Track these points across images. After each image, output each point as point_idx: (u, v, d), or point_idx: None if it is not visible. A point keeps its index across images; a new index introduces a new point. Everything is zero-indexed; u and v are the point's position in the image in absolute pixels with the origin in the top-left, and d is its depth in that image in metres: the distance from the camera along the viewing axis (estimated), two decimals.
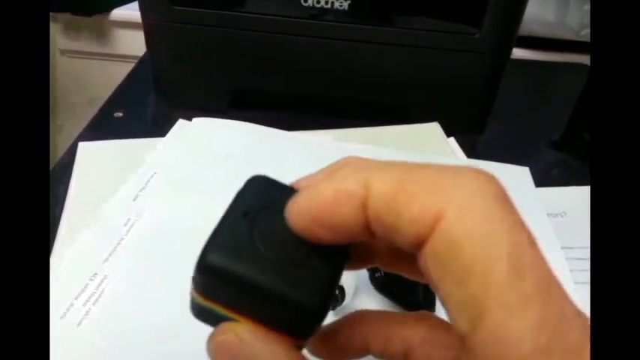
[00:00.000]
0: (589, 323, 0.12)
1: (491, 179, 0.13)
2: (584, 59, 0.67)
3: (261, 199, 0.15)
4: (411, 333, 0.16)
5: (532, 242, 0.13)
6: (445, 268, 0.12)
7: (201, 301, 0.15)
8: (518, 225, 0.13)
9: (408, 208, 0.13)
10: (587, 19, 0.66)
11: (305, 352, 0.16)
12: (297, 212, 0.14)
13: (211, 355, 0.15)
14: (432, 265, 0.13)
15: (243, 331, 0.14)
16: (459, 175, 0.13)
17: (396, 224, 0.13)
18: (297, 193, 0.15)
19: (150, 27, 0.48)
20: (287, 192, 0.15)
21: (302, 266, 0.14)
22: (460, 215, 0.12)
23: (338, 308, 0.30)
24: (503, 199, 0.13)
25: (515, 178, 0.43)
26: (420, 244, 0.13)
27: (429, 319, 0.17)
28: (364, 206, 0.13)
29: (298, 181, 0.17)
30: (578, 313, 0.12)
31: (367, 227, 0.14)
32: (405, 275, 0.18)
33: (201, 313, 0.15)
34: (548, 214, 0.40)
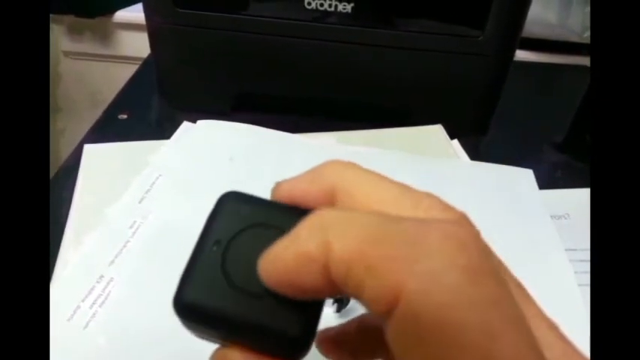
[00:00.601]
0: None
1: (463, 243, 0.12)
2: (587, 61, 0.67)
3: (233, 222, 0.15)
4: None
5: (508, 318, 0.11)
6: (406, 347, 0.12)
7: (187, 325, 0.15)
8: (486, 301, 0.11)
9: (368, 282, 0.12)
10: (589, 22, 0.66)
11: None
12: (265, 273, 0.14)
13: None
14: (393, 341, 0.12)
15: (235, 358, 0.14)
16: (426, 240, 0.12)
17: (357, 295, 0.12)
18: (265, 251, 0.14)
19: (154, 30, 0.48)
20: (261, 208, 0.15)
21: (279, 295, 0.14)
22: (423, 289, 0.11)
23: (343, 310, 0.30)
24: (473, 269, 0.12)
25: (518, 180, 0.43)
26: (383, 316, 0.12)
27: None
28: (326, 269, 0.13)
29: (279, 184, 0.17)
30: None
31: (335, 287, 0.13)
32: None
33: (190, 330, 0.15)
34: (551, 217, 0.40)
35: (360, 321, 0.18)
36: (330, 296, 0.14)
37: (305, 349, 0.14)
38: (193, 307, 0.14)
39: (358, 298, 0.13)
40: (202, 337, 0.15)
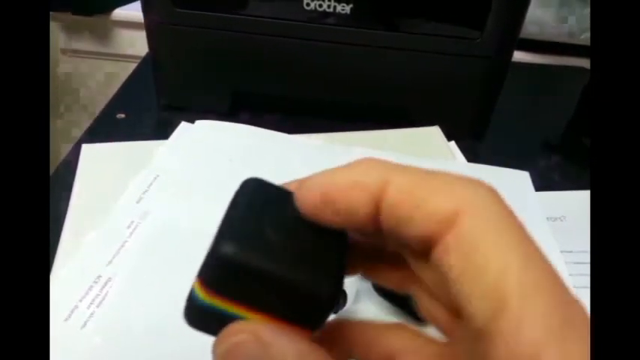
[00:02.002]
0: (586, 307, 0.13)
1: (496, 191, 0.14)
2: (585, 63, 0.67)
3: (259, 197, 0.16)
4: (393, 342, 0.17)
5: (533, 239, 0.14)
6: (463, 263, 0.13)
7: (206, 299, 0.14)
8: (523, 227, 0.14)
9: (428, 201, 0.13)
10: (587, 23, 0.66)
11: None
12: (308, 189, 0.15)
13: None
14: (449, 259, 0.13)
15: (261, 330, 0.14)
16: (473, 181, 0.14)
17: (412, 216, 0.14)
18: (310, 176, 0.15)
19: (152, 29, 0.48)
20: (282, 192, 0.16)
21: (311, 256, 0.14)
22: (477, 214, 0.13)
23: (340, 312, 0.30)
24: (508, 207, 0.14)
25: (515, 182, 0.43)
26: (433, 238, 0.13)
27: (408, 329, 0.17)
28: (377, 197, 0.14)
29: (289, 183, 0.17)
30: (577, 299, 0.13)
31: (374, 219, 0.14)
32: (387, 285, 0.18)
33: (200, 315, 0.15)
34: (547, 218, 0.40)
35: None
36: (362, 228, 0.14)
37: (326, 316, 0.14)
38: (233, 258, 0.13)
39: (408, 222, 0.14)
40: (210, 319, 0.15)
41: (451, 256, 0.13)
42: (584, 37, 0.67)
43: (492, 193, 0.14)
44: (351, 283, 0.30)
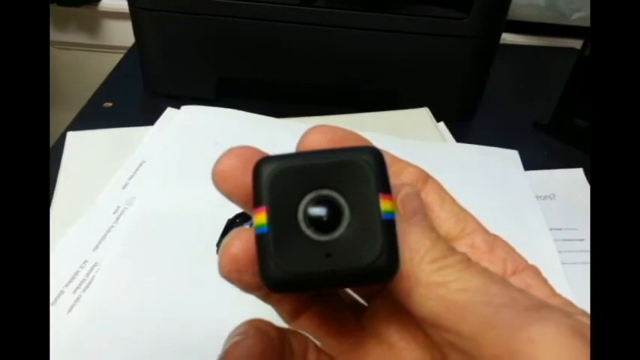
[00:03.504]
0: None
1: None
2: (575, 43, 0.67)
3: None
4: None
5: None
6: None
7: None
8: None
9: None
10: (577, 4, 0.66)
11: None
12: None
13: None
14: None
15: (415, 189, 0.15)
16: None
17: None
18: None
19: (137, 16, 0.48)
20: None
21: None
22: None
23: None
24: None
25: (504, 161, 0.43)
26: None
27: None
28: None
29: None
30: None
31: None
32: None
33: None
34: (537, 197, 0.40)
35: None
36: None
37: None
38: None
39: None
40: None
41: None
42: (575, 18, 0.67)
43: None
44: None
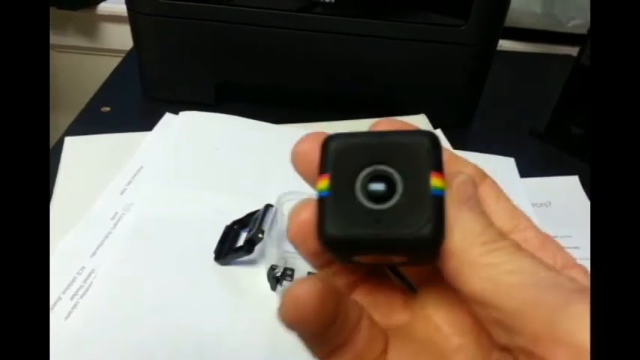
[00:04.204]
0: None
1: None
2: (572, 51, 0.67)
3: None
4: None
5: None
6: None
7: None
8: None
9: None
10: (574, 11, 0.66)
11: None
12: None
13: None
14: None
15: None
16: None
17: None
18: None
19: (136, 21, 0.48)
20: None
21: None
22: None
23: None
24: None
25: (500, 168, 0.43)
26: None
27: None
28: None
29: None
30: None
31: None
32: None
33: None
34: (533, 204, 0.40)
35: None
36: None
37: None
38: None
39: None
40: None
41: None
42: (572, 25, 0.67)
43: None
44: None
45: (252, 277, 0.32)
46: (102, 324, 0.29)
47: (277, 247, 0.32)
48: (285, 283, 0.30)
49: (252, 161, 0.41)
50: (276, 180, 0.39)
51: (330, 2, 0.45)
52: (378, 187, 0.14)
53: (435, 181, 0.14)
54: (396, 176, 0.14)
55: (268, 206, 0.33)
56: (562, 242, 0.42)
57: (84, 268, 0.32)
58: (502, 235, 0.15)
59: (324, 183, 0.14)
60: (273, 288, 0.30)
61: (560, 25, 0.68)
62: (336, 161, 0.14)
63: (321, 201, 0.14)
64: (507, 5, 0.46)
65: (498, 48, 0.49)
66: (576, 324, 0.12)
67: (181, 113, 0.45)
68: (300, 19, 0.46)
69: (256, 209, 0.34)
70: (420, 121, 0.49)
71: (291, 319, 0.14)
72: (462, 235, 0.14)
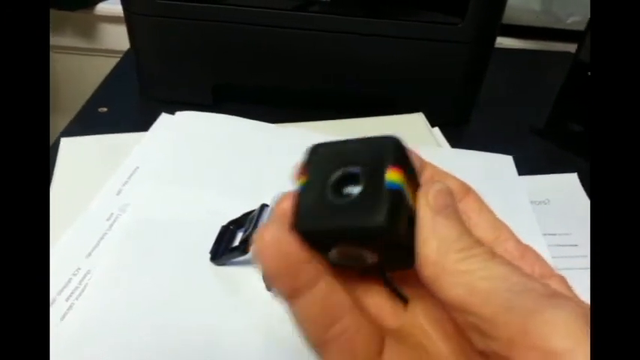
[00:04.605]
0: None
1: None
2: (570, 47, 0.67)
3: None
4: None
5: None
6: None
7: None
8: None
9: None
10: (573, 8, 0.66)
11: None
12: None
13: None
14: None
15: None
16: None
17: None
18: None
19: (132, 21, 0.48)
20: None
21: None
22: None
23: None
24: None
25: (499, 166, 0.43)
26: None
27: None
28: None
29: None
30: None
31: None
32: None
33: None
34: (531, 202, 0.40)
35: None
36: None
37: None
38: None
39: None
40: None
41: None
42: (571, 22, 0.67)
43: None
44: None
45: (247, 277, 0.32)
46: (97, 325, 0.29)
47: None
48: None
49: (249, 161, 0.41)
50: (272, 179, 0.38)
51: (326, 1, 0.44)
52: (343, 184, 0.16)
53: (390, 175, 0.15)
54: (361, 174, 0.16)
55: (264, 206, 0.33)
56: (560, 240, 0.42)
57: (79, 269, 0.32)
58: (477, 243, 0.15)
59: (302, 180, 0.16)
60: (269, 288, 0.30)
61: (559, 22, 0.67)
62: (314, 164, 0.17)
63: (298, 196, 0.16)
64: (504, 2, 0.46)
65: (497, 45, 0.49)
66: (549, 329, 0.13)
67: (177, 113, 0.45)
68: (297, 18, 0.45)
69: (252, 209, 0.34)
70: (417, 120, 0.49)
71: (260, 256, 0.15)
72: (438, 243, 0.15)
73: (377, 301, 0.18)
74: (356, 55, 0.47)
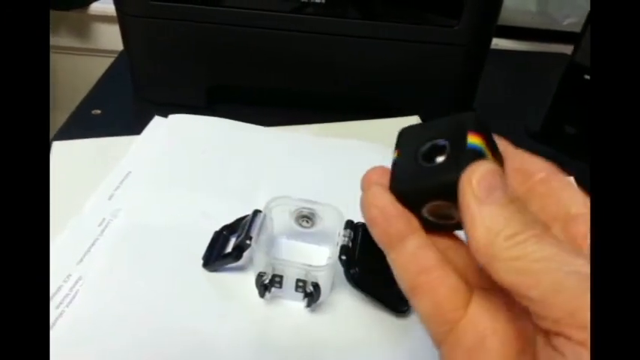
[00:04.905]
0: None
1: None
2: (566, 49, 0.67)
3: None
4: None
5: None
6: None
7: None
8: None
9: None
10: (568, 9, 0.66)
11: None
12: None
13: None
14: None
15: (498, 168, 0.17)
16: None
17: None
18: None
19: (125, 23, 0.47)
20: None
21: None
22: None
23: (313, 305, 0.30)
24: None
25: None
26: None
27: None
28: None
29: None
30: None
31: None
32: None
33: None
34: None
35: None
36: None
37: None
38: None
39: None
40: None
41: None
42: (567, 23, 0.67)
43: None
44: (326, 276, 0.30)
45: (240, 283, 0.31)
46: (88, 333, 0.28)
47: (265, 253, 0.31)
48: (273, 290, 0.30)
49: (242, 164, 0.41)
50: (266, 183, 0.38)
51: (321, 3, 0.44)
52: (433, 154, 0.18)
53: (471, 139, 0.17)
54: (447, 144, 0.18)
55: (256, 212, 0.32)
56: None
57: (70, 275, 0.31)
58: (528, 225, 0.15)
59: (396, 154, 0.19)
60: (262, 295, 0.30)
61: (555, 23, 0.67)
62: (405, 141, 0.19)
63: (394, 165, 0.19)
64: (500, 4, 0.46)
65: (493, 47, 0.49)
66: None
67: (170, 116, 0.45)
68: (291, 20, 0.45)
69: (246, 214, 0.33)
70: (412, 123, 0.48)
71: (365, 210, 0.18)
72: (485, 233, 0.16)
73: (465, 260, 0.19)
74: (351, 58, 0.47)
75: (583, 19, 0.48)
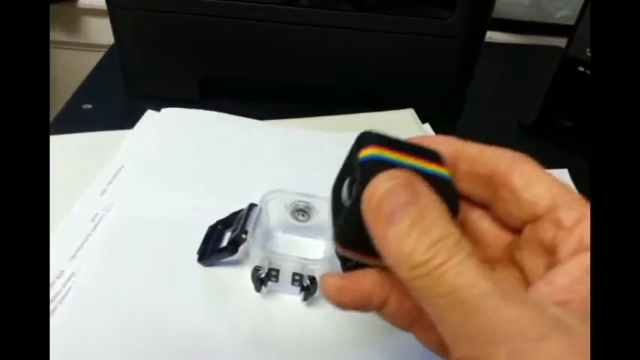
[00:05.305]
0: None
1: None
2: (560, 42, 0.67)
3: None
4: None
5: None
6: None
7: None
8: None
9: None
10: (562, 2, 0.66)
11: None
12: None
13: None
14: None
15: (413, 177, 0.16)
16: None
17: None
18: None
19: (115, 16, 0.47)
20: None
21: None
22: None
23: (310, 299, 0.30)
24: None
25: None
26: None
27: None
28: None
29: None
30: None
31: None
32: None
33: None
34: None
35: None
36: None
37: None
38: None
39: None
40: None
41: None
42: (560, 16, 0.67)
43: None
44: (323, 270, 0.30)
45: (236, 278, 0.31)
46: (81, 329, 0.28)
47: (261, 247, 0.31)
48: (269, 284, 0.30)
49: (236, 158, 0.40)
50: (260, 177, 0.38)
51: None
52: (343, 191, 0.18)
53: (361, 154, 0.17)
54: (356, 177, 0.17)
55: (252, 205, 0.32)
56: None
57: (63, 271, 0.31)
58: (433, 249, 0.14)
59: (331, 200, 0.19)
60: (258, 289, 0.30)
61: (548, 16, 0.67)
62: (334, 189, 0.19)
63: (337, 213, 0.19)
64: None
65: (486, 39, 0.49)
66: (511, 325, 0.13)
67: (163, 110, 0.44)
68: (284, 11, 0.45)
69: (241, 208, 0.33)
70: (407, 116, 0.48)
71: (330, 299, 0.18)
72: (394, 259, 0.15)
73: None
74: (344, 50, 0.47)
75: (576, 12, 0.48)
